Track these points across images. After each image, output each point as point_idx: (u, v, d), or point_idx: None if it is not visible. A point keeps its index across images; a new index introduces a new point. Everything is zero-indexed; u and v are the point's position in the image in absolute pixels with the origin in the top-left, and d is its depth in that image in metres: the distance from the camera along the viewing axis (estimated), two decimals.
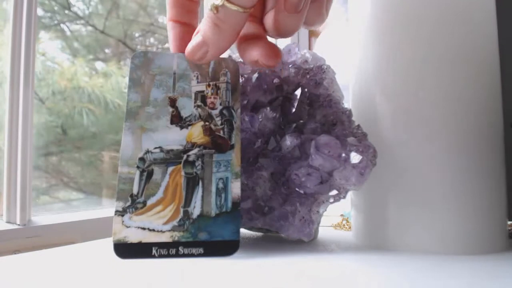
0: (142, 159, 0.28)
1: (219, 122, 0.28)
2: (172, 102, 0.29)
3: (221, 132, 0.28)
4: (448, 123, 0.29)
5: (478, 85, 0.29)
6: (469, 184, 0.28)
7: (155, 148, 0.28)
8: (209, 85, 0.29)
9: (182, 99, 0.29)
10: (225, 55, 0.34)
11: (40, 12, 1.19)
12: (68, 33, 1.29)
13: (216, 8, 0.25)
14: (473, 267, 0.25)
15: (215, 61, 0.30)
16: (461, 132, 0.29)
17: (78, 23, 1.31)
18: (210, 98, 0.29)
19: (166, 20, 0.30)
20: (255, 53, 0.27)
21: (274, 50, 0.27)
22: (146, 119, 0.29)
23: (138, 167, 0.28)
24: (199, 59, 0.27)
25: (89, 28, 1.32)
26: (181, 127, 0.29)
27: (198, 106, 0.29)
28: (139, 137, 0.28)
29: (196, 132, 0.28)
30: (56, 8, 1.26)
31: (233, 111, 0.29)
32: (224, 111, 0.29)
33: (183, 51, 0.29)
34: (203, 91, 0.29)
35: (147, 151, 0.28)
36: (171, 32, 0.30)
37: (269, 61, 0.27)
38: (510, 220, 0.32)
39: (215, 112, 0.29)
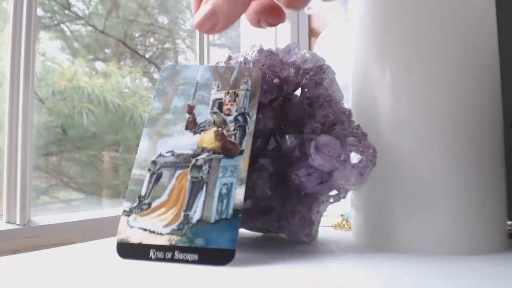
0: (154, 162, 0.28)
1: (232, 128, 0.28)
2: (190, 109, 0.30)
3: (233, 137, 0.28)
4: (448, 123, 0.29)
5: (478, 85, 0.29)
6: (469, 184, 0.28)
7: (167, 152, 0.28)
8: (228, 93, 0.30)
9: (200, 106, 0.30)
10: (225, 55, 0.34)
11: (40, 12, 1.19)
12: (68, 33, 1.29)
13: None
14: (473, 267, 0.25)
15: (238, 70, 0.30)
16: (461, 132, 0.29)
17: (78, 23, 1.31)
18: (227, 105, 0.29)
19: None
20: (259, 11, 0.27)
21: (277, 10, 0.27)
22: (164, 125, 0.29)
23: (149, 169, 0.28)
24: (207, 31, 0.26)
25: (89, 28, 1.32)
26: (194, 133, 0.29)
27: (214, 113, 0.29)
28: (155, 142, 0.29)
29: (207, 137, 0.28)
30: (56, 8, 1.26)
31: (248, 117, 0.29)
32: (239, 117, 0.29)
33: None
34: (221, 99, 0.29)
35: (160, 155, 0.28)
36: None
37: (270, 18, 0.27)
38: (510, 220, 0.32)
39: (229, 119, 0.29)
